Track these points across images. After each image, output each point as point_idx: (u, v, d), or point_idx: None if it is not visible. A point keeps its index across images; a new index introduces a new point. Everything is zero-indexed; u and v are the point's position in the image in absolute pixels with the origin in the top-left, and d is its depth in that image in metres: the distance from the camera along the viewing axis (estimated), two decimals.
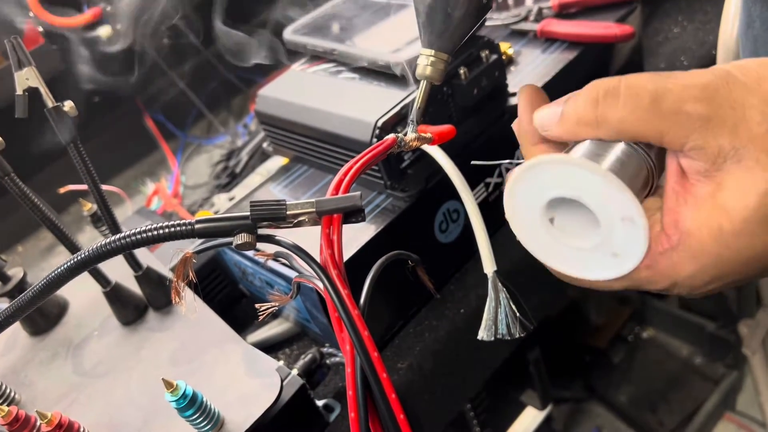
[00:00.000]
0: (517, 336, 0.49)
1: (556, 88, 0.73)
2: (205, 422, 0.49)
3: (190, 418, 0.48)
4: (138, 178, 1.08)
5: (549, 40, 0.80)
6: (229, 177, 0.99)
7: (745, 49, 0.62)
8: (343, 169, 0.43)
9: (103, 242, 0.38)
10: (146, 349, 0.60)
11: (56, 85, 0.54)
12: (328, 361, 0.65)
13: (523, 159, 0.43)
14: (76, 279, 0.40)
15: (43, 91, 0.52)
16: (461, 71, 0.65)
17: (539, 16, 0.83)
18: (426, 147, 0.55)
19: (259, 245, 0.40)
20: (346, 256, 0.58)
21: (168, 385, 0.47)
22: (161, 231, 0.38)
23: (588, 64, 0.78)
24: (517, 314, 0.49)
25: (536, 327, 0.49)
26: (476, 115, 0.69)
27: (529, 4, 0.86)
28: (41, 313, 0.66)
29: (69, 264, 0.39)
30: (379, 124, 0.62)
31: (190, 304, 0.44)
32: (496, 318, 0.49)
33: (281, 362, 0.55)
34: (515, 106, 0.69)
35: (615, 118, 0.35)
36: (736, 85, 0.33)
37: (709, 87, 0.33)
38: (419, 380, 0.65)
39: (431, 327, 0.68)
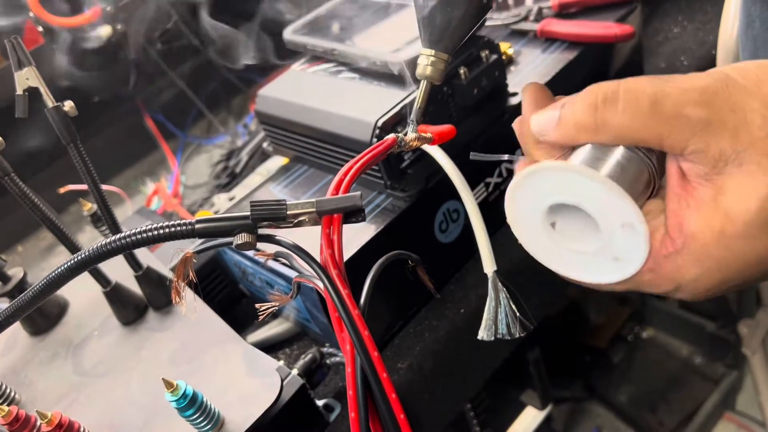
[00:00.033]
0: (517, 336, 0.49)
1: (556, 87, 0.73)
2: (206, 422, 0.49)
3: (191, 418, 0.48)
4: (138, 178, 1.08)
5: (549, 39, 0.80)
6: (229, 177, 0.99)
7: (745, 49, 0.62)
8: (343, 169, 0.43)
9: (104, 242, 0.38)
10: (146, 349, 0.60)
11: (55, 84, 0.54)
12: (328, 361, 0.65)
13: (522, 155, 0.43)
14: (76, 279, 0.40)
15: (43, 90, 0.52)
16: (461, 71, 0.65)
17: (539, 16, 0.83)
18: (426, 147, 0.55)
19: (259, 245, 0.40)
20: (346, 256, 0.58)
21: (168, 384, 0.47)
22: (161, 231, 0.38)
23: (588, 64, 0.78)
24: (517, 314, 0.49)
25: (536, 327, 0.49)
26: (476, 115, 0.69)
27: (529, 4, 0.86)
28: (41, 313, 0.66)
29: (69, 264, 0.39)
30: (379, 124, 0.62)
31: (190, 304, 0.44)
32: (496, 318, 0.49)
33: (281, 362, 0.55)
34: (515, 106, 0.69)
35: (614, 123, 0.35)
36: (735, 89, 0.33)
37: (708, 90, 0.33)
38: (419, 380, 0.65)
39: (431, 327, 0.68)
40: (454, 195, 0.57)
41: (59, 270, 0.39)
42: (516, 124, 0.43)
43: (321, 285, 0.40)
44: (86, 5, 0.95)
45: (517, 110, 0.69)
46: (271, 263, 0.64)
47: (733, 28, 0.77)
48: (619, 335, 1.40)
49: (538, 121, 0.39)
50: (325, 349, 0.67)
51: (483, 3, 0.44)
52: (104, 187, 0.57)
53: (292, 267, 0.48)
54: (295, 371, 0.56)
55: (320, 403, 0.62)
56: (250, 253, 0.66)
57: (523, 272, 0.63)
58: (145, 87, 1.08)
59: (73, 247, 0.60)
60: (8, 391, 0.58)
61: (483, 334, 0.49)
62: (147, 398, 0.55)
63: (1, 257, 0.65)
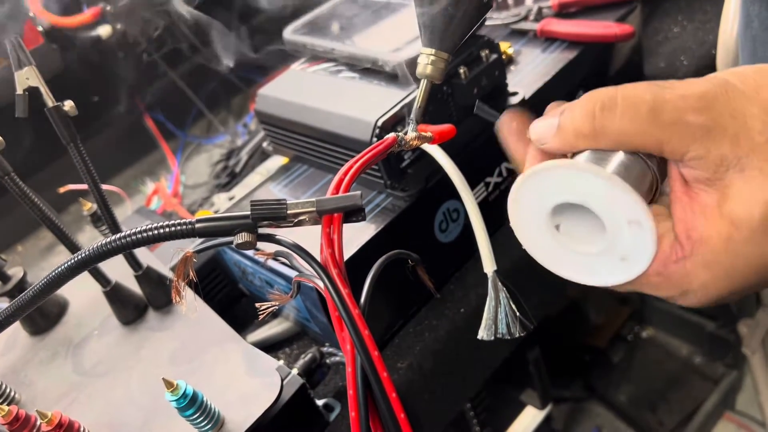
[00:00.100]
0: (517, 335, 0.49)
1: (556, 87, 0.74)
2: (206, 422, 0.49)
3: (191, 418, 0.48)
4: (138, 177, 1.08)
5: (549, 39, 0.80)
6: (228, 176, 0.99)
7: (744, 49, 0.62)
8: (343, 169, 0.43)
9: (104, 242, 0.38)
10: (146, 348, 0.60)
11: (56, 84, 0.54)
12: (328, 361, 0.65)
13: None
14: (76, 278, 0.40)
15: (44, 90, 0.52)
16: (461, 70, 0.65)
17: (539, 16, 0.83)
18: (426, 146, 0.55)
19: (259, 244, 0.40)
20: (346, 256, 0.58)
21: (168, 384, 0.47)
22: (162, 230, 0.38)
23: (588, 63, 0.78)
24: (517, 314, 0.49)
25: (536, 326, 0.49)
26: (476, 115, 0.69)
27: (528, 4, 0.86)
28: (41, 313, 0.66)
29: (69, 263, 0.39)
30: (379, 123, 0.62)
31: (190, 303, 0.44)
32: (496, 317, 0.49)
33: (281, 362, 0.55)
34: (515, 106, 0.69)
35: (613, 129, 0.35)
36: (735, 94, 0.33)
37: (707, 96, 0.33)
38: (419, 379, 0.65)
39: (431, 326, 0.68)
40: (454, 194, 0.57)
41: (59, 269, 0.39)
42: (510, 141, 0.43)
43: (321, 284, 0.40)
44: (86, 5, 0.95)
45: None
46: (271, 263, 0.64)
47: (732, 27, 0.77)
48: (619, 335, 1.40)
49: (537, 129, 0.39)
50: (325, 349, 0.67)
51: (483, 2, 0.44)
52: (104, 186, 0.57)
53: (292, 266, 0.48)
54: (295, 371, 0.56)
55: (320, 402, 0.62)
56: (250, 252, 0.66)
57: (523, 272, 0.63)
58: (145, 87, 1.08)
59: (72, 247, 0.60)
60: (8, 390, 0.58)
61: (483, 333, 0.49)
62: (147, 398, 0.55)
63: (1, 257, 0.65)
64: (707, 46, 0.90)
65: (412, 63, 0.61)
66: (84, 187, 0.56)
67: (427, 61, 0.45)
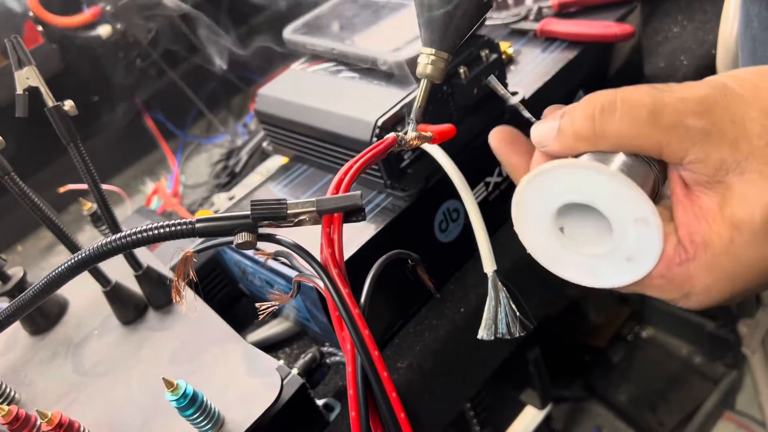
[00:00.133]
0: (517, 335, 0.49)
1: (556, 87, 0.74)
2: (206, 421, 0.49)
3: (191, 418, 0.48)
4: (138, 177, 1.08)
5: (549, 39, 0.80)
6: (228, 176, 0.99)
7: (744, 49, 0.62)
8: (343, 169, 0.43)
9: (104, 241, 0.38)
10: (146, 348, 0.60)
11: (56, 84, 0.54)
12: (328, 361, 0.65)
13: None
14: (76, 278, 0.40)
15: (44, 90, 0.52)
16: (461, 70, 0.65)
17: (539, 16, 0.83)
18: (426, 146, 0.55)
19: (259, 244, 0.40)
20: (346, 255, 0.58)
21: (168, 384, 0.47)
22: (162, 230, 0.38)
23: (588, 63, 0.78)
24: (517, 313, 0.49)
25: (536, 326, 0.49)
26: (476, 114, 0.69)
27: (528, 4, 0.86)
28: (41, 313, 0.66)
29: (69, 263, 0.39)
30: (379, 123, 0.62)
31: (190, 303, 0.44)
32: (496, 317, 0.49)
33: (281, 361, 0.55)
34: (514, 106, 0.69)
35: (613, 132, 0.35)
36: (734, 98, 0.34)
37: (707, 100, 0.34)
38: (419, 379, 0.65)
39: (431, 326, 0.68)
40: (454, 194, 0.57)
41: (59, 269, 0.39)
42: (501, 151, 0.43)
43: (321, 284, 0.40)
44: (86, 5, 0.95)
45: (516, 110, 0.69)
46: (271, 262, 0.64)
47: (732, 27, 0.77)
48: (619, 335, 1.40)
49: (537, 132, 0.40)
50: (325, 349, 0.67)
51: (483, 2, 0.44)
52: (104, 186, 0.57)
53: (292, 266, 0.48)
54: (295, 370, 0.56)
55: (320, 402, 0.62)
56: (250, 252, 0.66)
57: (523, 272, 0.63)
58: (145, 87, 1.08)
59: (72, 247, 0.60)
60: (8, 390, 0.58)
61: (483, 333, 0.49)
62: (147, 398, 0.55)
63: (1, 256, 0.65)
64: (707, 46, 0.90)
65: (412, 63, 0.62)
66: (84, 187, 0.56)
67: (427, 60, 0.45)
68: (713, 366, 1.35)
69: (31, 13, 0.91)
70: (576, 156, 0.38)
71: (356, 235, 0.62)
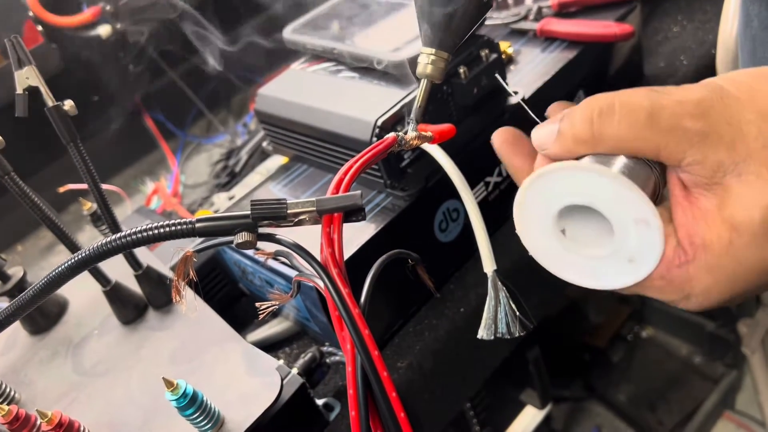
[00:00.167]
0: (517, 335, 0.49)
1: (555, 87, 0.74)
2: (206, 421, 0.49)
3: (191, 417, 0.48)
4: (137, 177, 1.08)
5: (548, 39, 0.80)
6: (228, 176, 0.99)
7: (744, 48, 0.62)
8: (343, 168, 0.43)
9: (104, 241, 0.38)
10: (146, 348, 0.60)
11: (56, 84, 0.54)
12: (327, 360, 0.65)
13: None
14: (75, 278, 0.40)
15: (43, 90, 0.52)
16: (461, 70, 0.65)
17: (539, 15, 0.83)
18: (426, 146, 0.55)
19: (259, 244, 0.40)
20: (346, 255, 0.58)
21: (168, 384, 0.47)
22: (162, 230, 0.38)
23: (587, 63, 0.78)
24: (517, 313, 0.49)
25: (536, 326, 0.49)
26: (476, 114, 0.69)
27: (528, 3, 0.86)
28: (41, 312, 0.66)
29: (70, 263, 0.39)
30: (379, 123, 0.62)
31: (190, 303, 0.44)
32: (495, 317, 0.49)
33: (281, 361, 0.55)
34: (514, 106, 0.69)
35: (611, 135, 0.36)
36: (730, 100, 0.34)
37: (703, 102, 0.34)
38: (419, 379, 0.65)
39: (431, 326, 0.68)
40: (454, 194, 0.57)
41: (59, 269, 0.39)
42: (504, 152, 0.44)
43: (321, 284, 0.40)
44: (86, 5, 0.95)
45: (516, 110, 0.69)
46: (271, 262, 0.64)
47: (732, 27, 0.77)
48: (619, 335, 1.40)
49: (537, 136, 0.40)
50: (324, 348, 0.67)
51: (483, 2, 0.44)
52: (104, 186, 0.57)
53: (292, 266, 0.48)
54: (294, 370, 0.56)
55: (320, 402, 0.63)
56: (250, 252, 0.66)
57: (523, 271, 0.63)
58: (144, 86, 1.08)
59: (72, 247, 0.60)
60: (8, 390, 0.58)
61: (483, 333, 0.49)
62: (147, 397, 0.55)
63: (1, 256, 0.65)
64: (707, 46, 0.90)
65: (413, 62, 0.62)
66: (84, 186, 0.56)
67: (427, 60, 0.45)
68: (713, 366, 1.35)
69: (31, 13, 0.91)
70: (577, 159, 0.38)
71: (356, 235, 0.62)
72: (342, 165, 0.43)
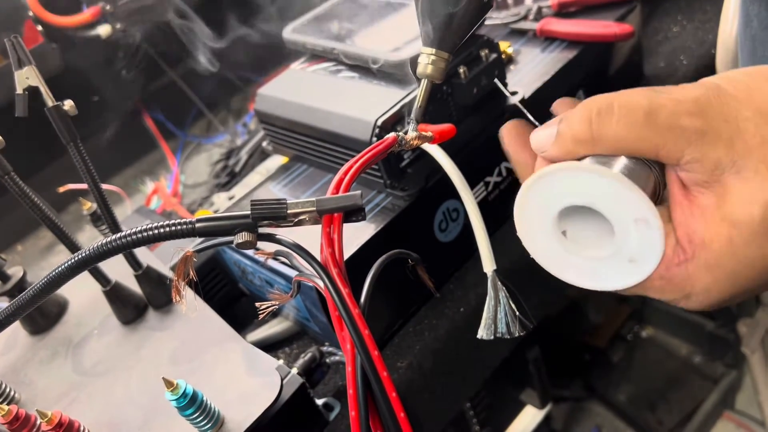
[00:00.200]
0: (517, 335, 0.49)
1: (555, 87, 0.74)
2: (205, 421, 0.49)
3: (191, 417, 0.48)
4: (137, 177, 1.08)
5: (548, 39, 0.80)
6: (228, 176, 0.99)
7: (744, 48, 0.62)
8: (343, 168, 0.43)
9: (104, 241, 0.38)
10: (146, 348, 0.60)
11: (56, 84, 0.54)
12: (327, 360, 0.65)
13: None
14: (75, 278, 0.40)
15: (43, 90, 0.52)
16: (461, 70, 0.65)
17: (539, 15, 0.83)
18: (426, 146, 0.55)
19: (259, 244, 0.40)
20: (346, 255, 0.58)
21: (168, 384, 0.47)
22: (162, 230, 0.38)
23: (587, 63, 0.78)
24: (517, 313, 0.49)
25: (536, 326, 0.49)
26: (476, 114, 0.69)
27: (528, 3, 0.86)
28: (41, 312, 0.66)
29: (70, 263, 0.39)
30: (379, 123, 0.62)
31: (190, 303, 0.44)
32: (495, 317, 0.49)
33: (281, 361, 0.55)
34: (514, 106, 0.69)
35: (610, 135, 0.36)
36: (727, 99, 0.34)
37: (701, 101, 0.34)
38: (419, 379, 0.65)
39: (431, 326, 0.68)
40: (454, 194, 0.57)
41: (59, 269, 0.39)
42: (511, 148, 0.44)
43: (321, 284, 0.40)
44: (86, 5, 0.95)
45: (516, 110, 0.69)
46: (271, 262, 0.64)
47: (732, 27, 0.77)
48: (619, 334, 1.40)
49: (537, 138, 0.40)
50: (324, 348, 0.67)
51: (483, 2, 0.44)
52: (104, 186, 0.57)
53: (292, 266, 0.48)
54: (294, 370, 0.56)
55: (320, 402, 0.63)
56: (250, 252, 0.66)
57: (522, 271, 0.63)
58: (144, 86, 1.08)
59: (72, 247, 0.60)
60: (8, 390, 0.58)
61: (482, 333, 0.49)
62: (147, 397, 0.55)
63: (1, 256, 0.65)
64: (707, 46, 0.90)
65: (413, 62, 0.62)
66: (84, 186, 0.56)
67: (427, 60, 0.45)
68: (713, 366, 1.35)
69: (31, 13, 0.91)
70: (576, 160, 0.38)
71: (356, 235, 0.62)
72: (342, 165, 0.43)
